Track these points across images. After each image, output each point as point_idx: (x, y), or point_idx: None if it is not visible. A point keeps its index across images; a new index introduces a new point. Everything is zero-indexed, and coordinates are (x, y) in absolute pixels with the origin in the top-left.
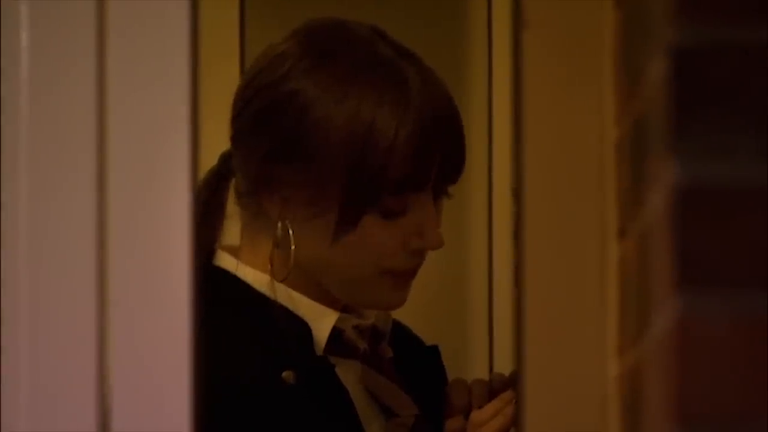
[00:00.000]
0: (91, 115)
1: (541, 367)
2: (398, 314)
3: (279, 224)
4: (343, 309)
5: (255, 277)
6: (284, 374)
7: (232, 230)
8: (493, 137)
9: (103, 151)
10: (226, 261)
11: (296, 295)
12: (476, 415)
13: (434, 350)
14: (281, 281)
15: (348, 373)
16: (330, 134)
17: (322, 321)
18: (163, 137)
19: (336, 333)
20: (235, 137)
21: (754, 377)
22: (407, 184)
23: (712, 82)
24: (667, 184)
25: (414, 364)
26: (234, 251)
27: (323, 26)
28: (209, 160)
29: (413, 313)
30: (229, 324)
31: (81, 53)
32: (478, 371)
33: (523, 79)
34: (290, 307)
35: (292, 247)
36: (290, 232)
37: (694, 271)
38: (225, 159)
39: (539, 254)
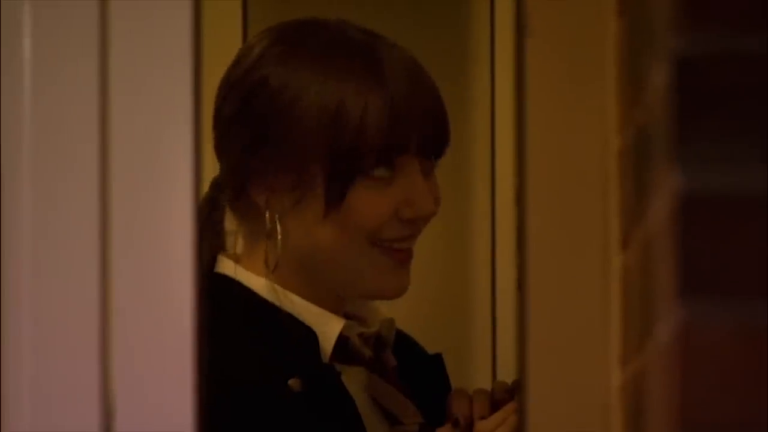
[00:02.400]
0: (93, 115)
1: (544, 375)
2: (401, 322)
3: (267, 214)
4: (347, 316)
5: (259, 283)
6: (291, 381)
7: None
8: (496, 145)
9: (105, 150)
10: (227, 267)
11: (301, 302)
12: (480, 426)
13: (438, 359)
14: (273, 271)
15: (353, 381)
16: (302, 113)
17: (328, 328)
18: (166, 136)
19: (342, 340)
20: (220, 141)
21: (757, 386)
22: (386, 152)
23: (715, 90)
24: (670, 193)
25: (418, 373)
26: (236, 259)
27: (293, 21)
28: (212, 159)
29: (416, 320)
30: (234, 331)
31: (83, 52)
32: (480, 380)
33: (525, 87)
34: (295, 313)
35: (279, 237)
36: (277, 219)
37: (697, 279)
38: (215, 186)
39: (542, 263)
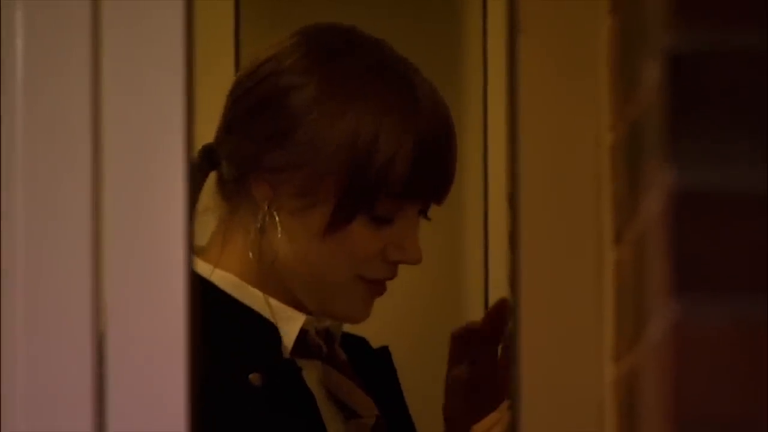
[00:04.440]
0: (85, 115)
1: (537, 372)
2: (394, 320)
3: (266, 208)
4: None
5: (222, 277)
6: (251, 376)
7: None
8: (489, 143)
9: (98, 149)
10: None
11: (263, 297)
12: (476, 428)
13: (384, 351)
14: (267, 267)
15: (310, 374)
16: (333, 134)
17: (289, 323)
18: (158, 136)
19: (301, 334)
20: (232, 121)
21: (751, 381)
22: (407, 189)
23: (707, 86)
24: (663, 189)
25: (366, 366)
26: (200, 252)
27: (332, 26)
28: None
29: (409, 317)
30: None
31: (76, 52)
32: None
33: (518, 85)
34: (257, 308)
35: (279, 235)
36: (276, 216)
37: (690, 275)
38: (205, 152)
39: (535, 259)
